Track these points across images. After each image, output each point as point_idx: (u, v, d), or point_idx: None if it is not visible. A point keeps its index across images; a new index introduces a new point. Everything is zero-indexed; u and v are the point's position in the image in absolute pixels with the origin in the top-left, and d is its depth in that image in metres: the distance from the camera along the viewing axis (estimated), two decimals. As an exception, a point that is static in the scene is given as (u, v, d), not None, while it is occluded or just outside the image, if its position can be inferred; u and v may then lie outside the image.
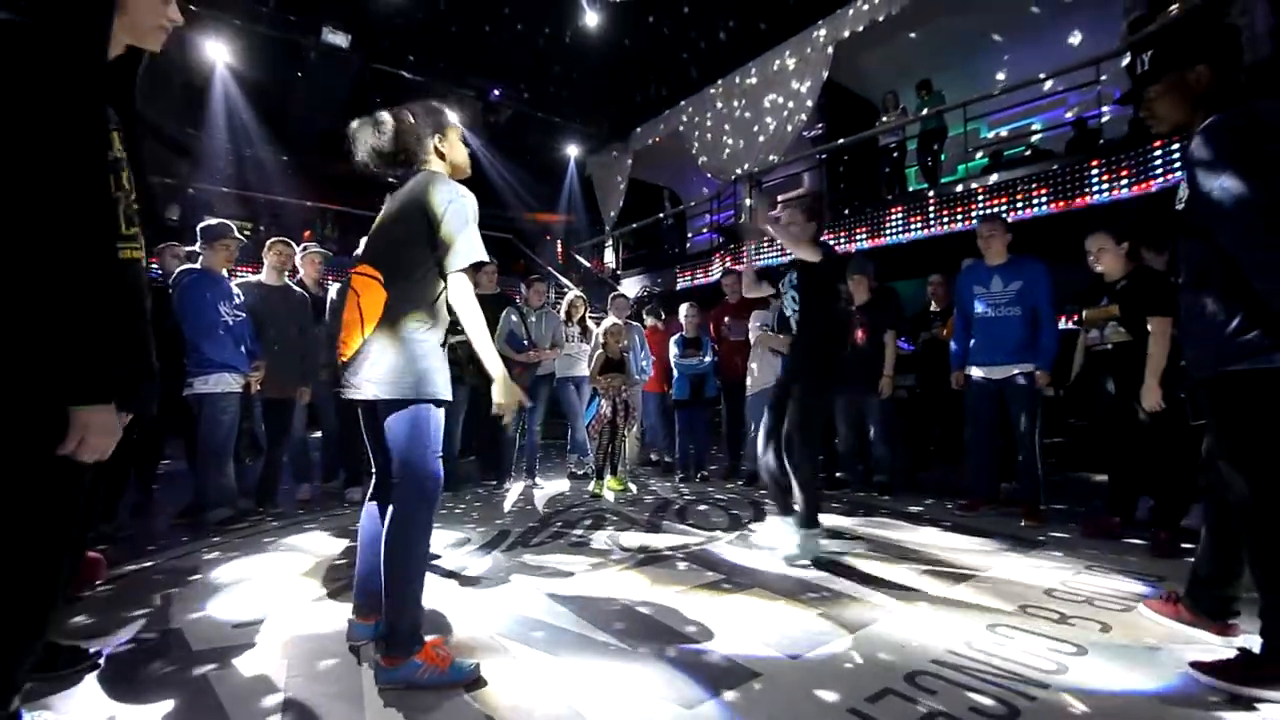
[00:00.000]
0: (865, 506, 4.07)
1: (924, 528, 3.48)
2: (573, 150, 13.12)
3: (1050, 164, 5.98)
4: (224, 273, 3.73)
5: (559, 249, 13.81)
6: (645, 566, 2.84)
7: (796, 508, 3.08)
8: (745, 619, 2.18)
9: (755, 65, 9.58)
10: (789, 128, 8.95)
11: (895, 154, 8.13)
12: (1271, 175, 1.54)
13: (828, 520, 3.68)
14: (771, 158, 9.18)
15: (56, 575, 1.20)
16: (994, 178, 6.39)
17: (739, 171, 9.69)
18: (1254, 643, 1.71)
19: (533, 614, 2.25)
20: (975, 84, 8.15)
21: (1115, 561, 2.79)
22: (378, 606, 1.81)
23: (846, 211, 7.73)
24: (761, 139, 9.31)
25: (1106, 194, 5.40)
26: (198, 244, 3.67)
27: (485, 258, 1.79)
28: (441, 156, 1.89)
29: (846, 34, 8.16)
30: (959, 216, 6.46)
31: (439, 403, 1.77)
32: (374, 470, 1.94)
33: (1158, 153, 5.08)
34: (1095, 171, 5.50)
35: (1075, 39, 7.78)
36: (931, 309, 5.06)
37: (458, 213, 1.73)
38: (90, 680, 1.76)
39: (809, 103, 8.72)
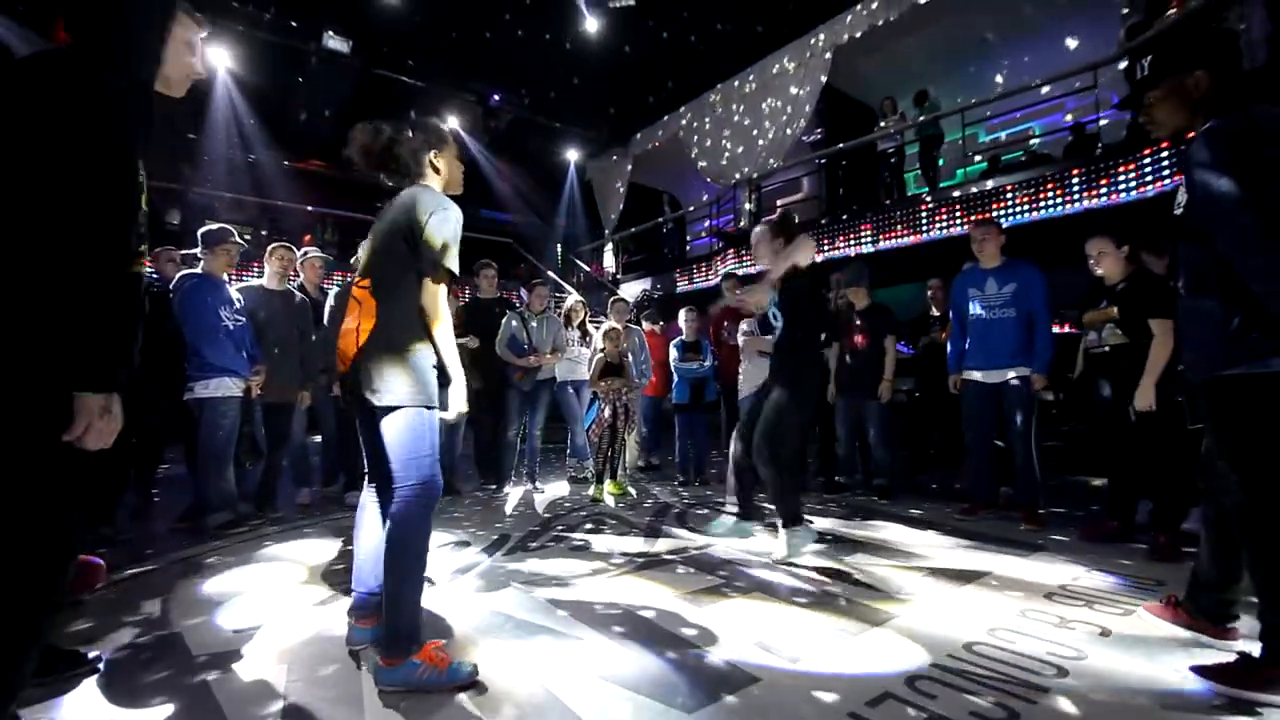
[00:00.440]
0: (865, 510, 4.07)
1: (924, 531, 3.48)
2: (573, 155, 13.16)
3: (1048, 169, 6.00)
4: (224, 277, 3.73)
5: (559, 253, 13.83)
6: (645, 570, 2.84)
7: (777, 510, 3.05)
8: (745, 623, 2.18)
9: (754, 70, 9.63)
10: (788, 132, 8.99)
11: (894, 159, 8.16)
12: (1269, 180, 1.55)
13: (826, 524, 3.68)
14: (771, 162, 9.21)
15: (63, 571, 1.22)
16: (991, 183, 6.41)
17: (738, 176, 9.72)
18: (1254, 646, 1.72)
19: (532, 617, 2.25)
20: (973, 89, 8.21)
21: (1115, 565, 2.79)
22: (376, 610, 1.81)
23: (845, 216, 7.75)
24: (761, 144, 9.35)
25: (1105, 198, 5.41)
26: (199, 249, 3.68)
27: (455, 269, 1.79)
28: (436, 171, 1.92)
29: (845, 39, 8.21)
30: (958, 221, 6.48)
31: (432, 407, 1.79)
32: (368, 475, 1.96)
33: (1152, 158, 5.09)
34: (1093, 176, 5.51)
35: (1073, 44, 7.82)
36: (931, 313, 5.07)
37: (440, 222, 1.75)
38: (89, 685, 1.76)
39: (808, 108, 8.75)
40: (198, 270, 3.64)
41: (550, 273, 11.65)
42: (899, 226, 7.05)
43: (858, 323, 4.55)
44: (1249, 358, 1.63)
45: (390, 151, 1.86)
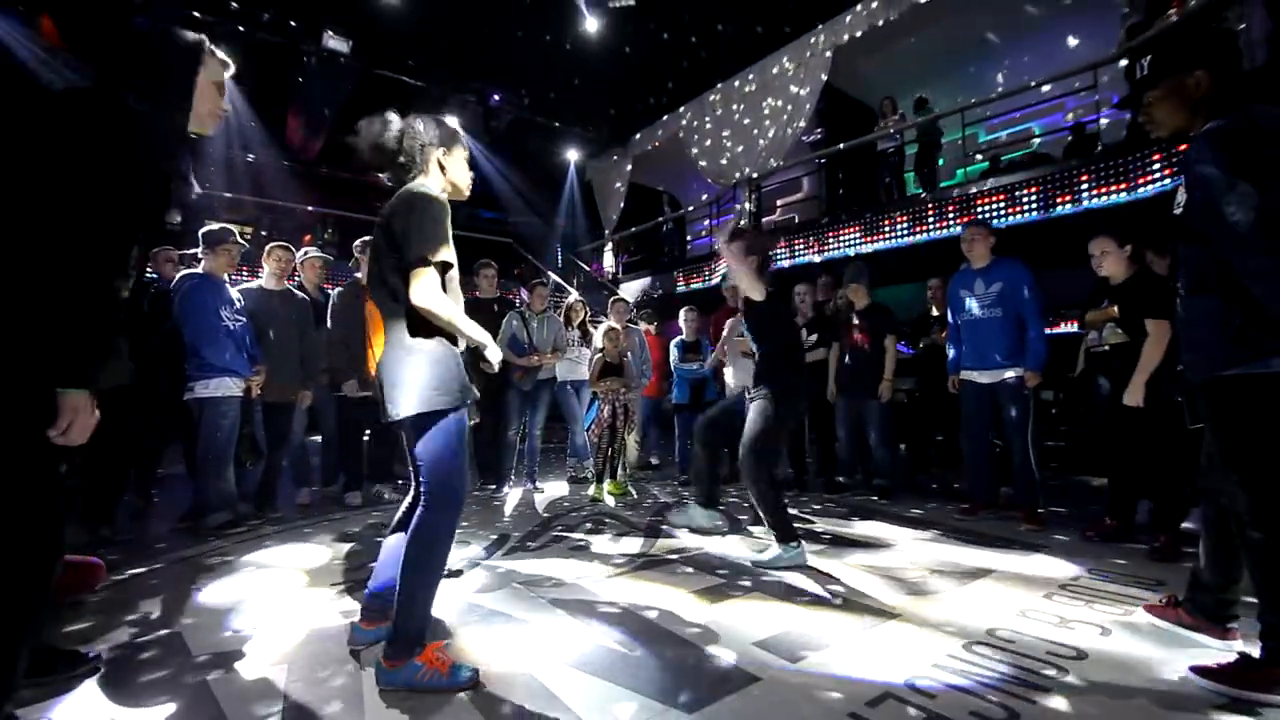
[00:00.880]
0: (865, 510, 4.07)
1: (924, 532, 3.48)
2: (573, 155, 13.15)
3: (1048, 168, 5.99)
4: (225, 277, 3.73)
5: (559, 253, 13.83)
6: (645, 570, 2.84)
7: (770, 525, 2.97)
8: (745, 623, 2.18)
9: (754, 70, 9.62)
10: (788, 132, 8.98)
11: (894, 159, 8.15)
12: (1269, 180, 1.55)
13: (826, 524, 3.69)
14: (771, 162, 9.20)
15: (50, 570, 1.24)
16: (991, 182, 6.41)
17: (738, 176, 9.71)
18: (1254, 646, 1.72)
19: (532, 617, 2.25)
20: (974, 89, 8.19)
21: (1115, 565, 2.80)
22: (385, 614, 1.81)
23: (845, 216, 7.75)
24: (761, 144, 9.34)
25: (1106, 198, 5.41)
26: (199, 249, 3.68)
27: (449, 258, 1.74)
28: (442, 170, 1.89)
29: (845, 39, 8.20)
30: (958, 221, 6.47)
31: (457, 408, 1.77)
32: (413, 484, 1.92)
33: (1156, 158, 5.09)
34: (1094, 175, 5.51)
35: (1073, 43, 7.82)
36: (931, 313, 5.07)
37: (422, 211, 1.71)
38: (89, 685, 1.76)
39: (808, 107, 8.74)
40: (198, 270, 3.64)
41: (550, 273, 11.64)
42: (899, 226, 7.05)
43: (857, 322, 4.55)
44: (1249, 358, 1.63)
45: (399, 144, 1.84)
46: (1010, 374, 3.60)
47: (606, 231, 12.66)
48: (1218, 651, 1.85)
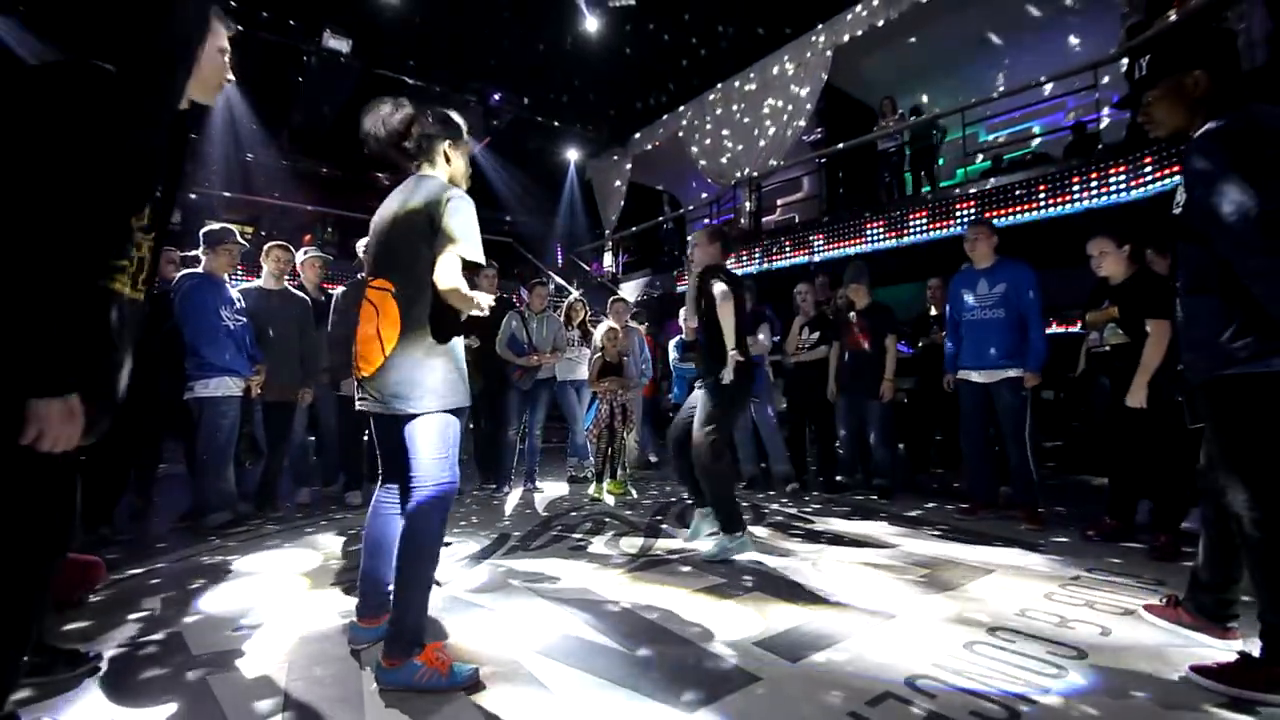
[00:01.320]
0: (865, 510, 4.07)
1: (924, 531, 3.48)
2: (572, 154, 13.15)
3: (1049, 168, 5.99)
4: (225, 277, 3.73)
5: (558, 253, 13.83)
6: (645, 570, 2.84)
7: (716, 516, 3.07)
8: (746, 622, 2.18)
9: (754, 70, 9.62)
10: (788, 132, 8.98)
11: (894, 158, 8.15)
12: (1268, 180, 1.55)
13: (826, 524, 3.69)
14: (771, 162, 9.20)
15: (45, 573, 1.22)
16: (992, 182, 6.41)
17: (738, 175, 9.71)
18: (1254, 646, 1.72)
19: (532, 617, 2.25)
20: (974, 88, 8.19)
21: (1115, 565, 2.80)
22: (381, 610, 1.81)
23: (845, 215, 7.74)
24: (761, 143, 9.34)
25: (1106, 197, 5.41)
26: (200, 248, 3.68)
27: (482, 259, 1.78)
28: (447, 161, 1.91)
29: (846, 38, 8.20)
30: (958, 221, 6.48)
31: (452, 412, 1.79)
32: (382, 475, 1.96)
33: (1154, 157, 5.09)
34: (1094, 175, 5.51)
35: (1074, 43, 7.82)
36: (931, 313, 5.07)
37: (457, 209, 1.74)
38: (90, 684, 1.76)
39: (808, 107, 8.74)
40: (199, 270, 3.64)
41: (550, 272, 11.64)
42: (898, 226, 7.05)
43: (858, 322, 4.55)
44: (1249, 358, 1.63)
45: (408, 130, 1.84)
46: (1009, 374, 3.60)
47: (606, 231, 12.66)
48: (1218, 651, 1.85)
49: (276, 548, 3.25)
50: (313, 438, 4.87)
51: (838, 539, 3.34)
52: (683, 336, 5.26)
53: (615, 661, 1.89)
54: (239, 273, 6.93)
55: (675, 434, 3.41)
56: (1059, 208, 5.72)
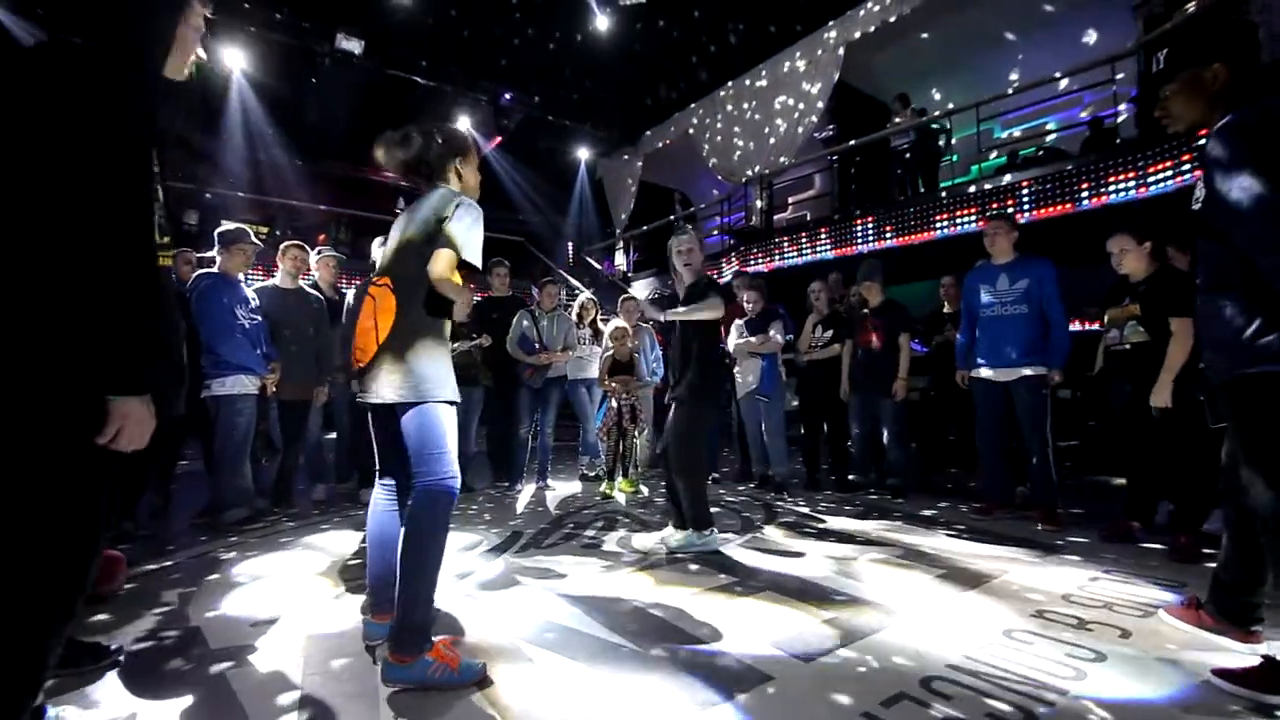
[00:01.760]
0: (878, 509, 4.05)
1: (938, 531, 3.45)
2: (583, 153, 13.17)
3: (1065, 164, 5.92)
4: (240, 277, 3.78)
5: (569, 251, 13.86)
6: (657, 568, 2.84)
7: (687, 512, 3.13)
8: (757, 622, 2.18)
9: (765, 67, 9.58)
10: (799, 129, 8.93)
11: (907, 155, 8.09)
12: (1290, 175, 1.52)
13: (839, 523, 3.67)
14: (782, 160, 9.16)
15: (89, 566, 1.24)
16: (1007, 178, 6.34)
17: (749, 173, 9.68)
18: (1278, 649, 1.69)
19: (544, 615, 2.26)
20: (988, 84, 8.09)
21: (1134, 566, 2.76)
22: (391, 606, 1.82)
23: (858, 213, 7.69)
24: (772, 141, 9.30)
25: (1124, 193, 5.33)
26: (215, 249, 3.73)
27: (479, 263, 1.84)
28: (459, 177, 1.99)
29: (858, 35, 8.14)
30: (972, 217, 6.41)
31: (454, 403, 1.83)
32: (379, 470, 1.99)
33: (1175, 151, 5.01)
34: (1111, 170, 5.43)
35: (1090, 37, 7.71)
36: (944, 311, 5.03)
37: (462, 214, 1.81)
38: (111, 677, 1.79)
39: (820, 104, 8.69)
40: (214, 270, 3.68)
41: (561, 271, 11.66)
42: (911, 223, 6.99)
43: (871, 320, 4.52)
44: (1271, 357, 1.59)
45: (418, 162, 1.94)
46: (1028, 371, 3.55)
47: (617, 230, 12.66)
48: (1241, 655, 1.82)
49: (292, 544, 3.28)
50: (329, 435, 4.91)
51: (850, 538, 3.32)
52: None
53: (627, 659, 1.89)
54: (252, 272, 7.01)
55: (664, 448, 3.41)
56: (1075, 204, 5.64)
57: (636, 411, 4.78)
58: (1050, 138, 8.09)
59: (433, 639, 1.75)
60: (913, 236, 6.97)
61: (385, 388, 1.76)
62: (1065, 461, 5.46)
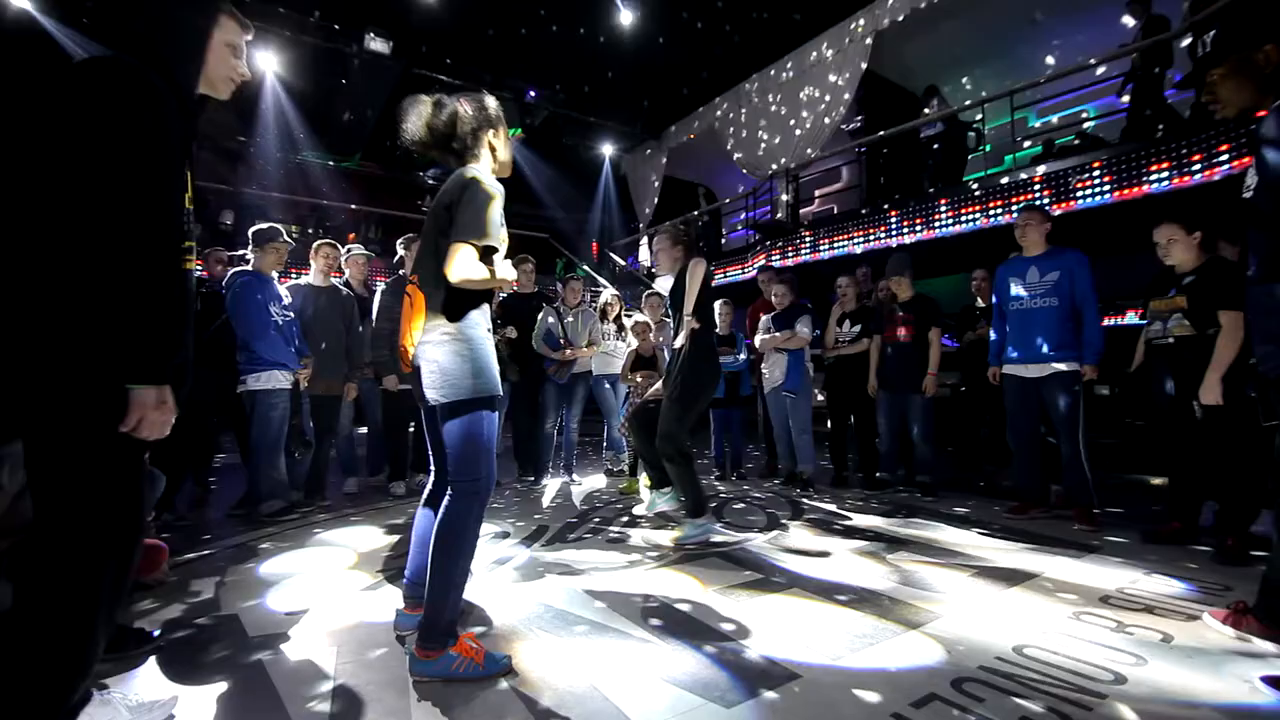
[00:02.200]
0: (908, 508, 3.98)
1: (970, 530, 3.38)
2: (608, 149, 13.18)
3: (1103, 153, 5.72)
4: (274, 275, 3.87)
5: (594, 247, 13.89)
6: (682, 564, 2.84)
7: (684, 502, 3.25)
8: (784, 619, 2.16)
9: (791, 58, 9.44)
10: (826, 121, 8.79)
11: (936, 145, 7.90)
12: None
13: (867, 521, 3.62)
14: (809, 152, 9.03)
15: (130, 554, 1.29)
16: (1042, 168, 6.15)
17: (775, 167, 9.57)
18: (1333, 657, 1.61)
19: (570, 609, 2.27)
20: (1022, 71, 7.86)
21: (1177, 568, 2.66)
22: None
23: (886, 206, 7.56)
24: (798, 133, 9.17)
25: (1165, 183, 5.13)
26: (249, 247, 3.82)
27: (496, 244, 1.74)
28: (493, 151, 1.90)
29: (886, 23, 7.97)
30: (1004, 209, 6.24)
31: (490, 400, 1.78)
32: (434, 469, 1.99)
33: (1222, 138, 4.80)
34: (1153, 158, 5.23)
35: (1130, 20, 7.42)
36: (976, 305, 4.91)
37: (469, 199, 1.72)
38: (152, 662, 1.86)
39: (847, 95, 8.54)
40: (249, 268, 3.78)
41: (585, 266, 11.70)
42: (942, 215, 6.83)
43: (900, 315, 4.44)
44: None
45: (453, 130, 1.83)
46: (1060, 366, 3.45)
47: (641, 225, 12.65)
48: (1292, 661, 1.75)
49: (325, 535, 3.36)
50: (360, 429, 5.02)
51: (878, 536, 3.27)
52: (717, 331, 5.22)
53: (651, 653, 1.89)
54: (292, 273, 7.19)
55: (637, 418, 3.59)
56: (1114, 194, 5.45)
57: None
58: (1088, 125, 7.82)
59: (458, 633, 1.77)
60: (942, 229, 6.81)
61: (425, 389, 1.76)
62: (1104, 460, 5.30)
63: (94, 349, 1.19)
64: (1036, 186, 6.03)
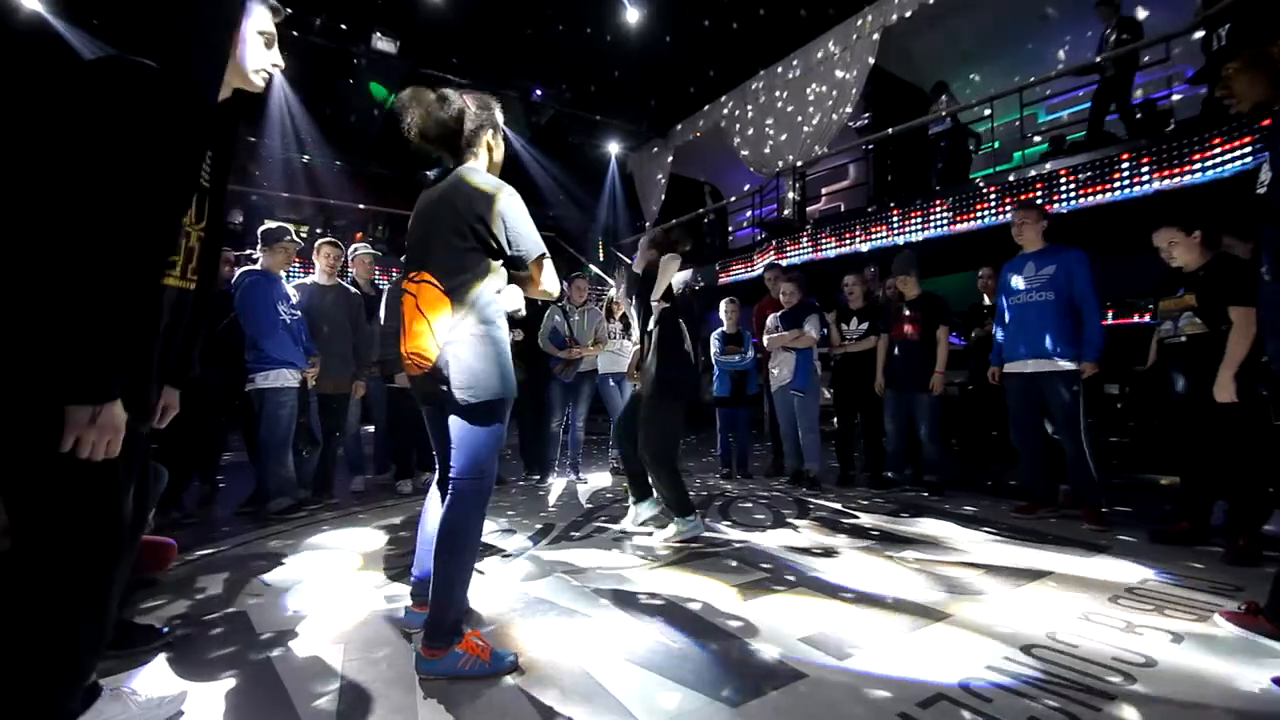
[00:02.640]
0: (915, 507, 3.96)
1: (978, 530, 3.36)
2: (614, 147, 13.16)
3: (1115, 149, 5.66)
4: (282, 274, 3.89)
5: (600, 246, 13.90)
6: (688, 562, 2.83)
7: (669, 504, 3.22)
8: (791, 618, 2.15)
9: (798, 55, 9.40)
10: (834, 118, 8.75)
11: (944, 143, 7.85)
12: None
13: (874, 520, 3.61)
14: (816, 150, 8.99)
15: (112, 559, 1.26)
16: (1050, 165, 6.10)
17: (781, 165, 9.53)
18: (1347, 659, 1.59)
19: (576, 606, 2.28)
20: (1032, 67, 7.80)
21: (1187, 569, 2.64)
22: None
23: (893, 203, 7.52)
24: (805, 131, 9.13)
25: (1179, 179, 5.08)
26: (258, 247, 3.85)
27: (544, 248, 1.84)
28: (490, 151, 1.92)
29: (894, 19, 7.91)
30: (1009, 206, 6.19)
31: (504, 401, 1.79)
32: (439, 464, 1.99)
33: (1234, 134, 4.74)
34: (1165, 155, 5.18)
35: (1142, 15, 7.35)
36: (983, 303, 4.88)
37: (517, 215, 1.77)
38: (161, 658, 1.87)
39: (854, 92, 8.49)
40: (257, 267, 3.80)
41: (592, 265, 11.70)
42: (949, 213, 6.79)
43: (907, 313, 4.42)
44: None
45: (460, 125, 1.83)
46: (1060, 364, 3.43)
47: (648, 224, 12.64)
48: (1305, 663, 1.73)
49: (333, 533, 3.38)
50: (367, 428, 5.04)
51: (886, 536, 3.26)
52: (724, 329, 5.22)
53: (657, 653, 1.89)
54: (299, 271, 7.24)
55: (621, 424, 3.60)
56: (1125, 191, 5.40)
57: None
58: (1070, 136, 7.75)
59: (464, 631, 1.78)
60: (950, 227, 6.77)
61: (455, 389, 1.72)
62: (1113, 459, 5.26)
63: (34, 363, 1.12)
64: (1043, 183, 5.98)
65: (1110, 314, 5.42)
